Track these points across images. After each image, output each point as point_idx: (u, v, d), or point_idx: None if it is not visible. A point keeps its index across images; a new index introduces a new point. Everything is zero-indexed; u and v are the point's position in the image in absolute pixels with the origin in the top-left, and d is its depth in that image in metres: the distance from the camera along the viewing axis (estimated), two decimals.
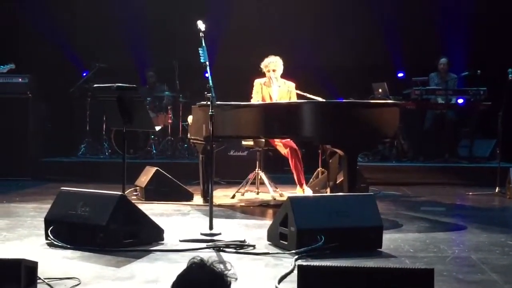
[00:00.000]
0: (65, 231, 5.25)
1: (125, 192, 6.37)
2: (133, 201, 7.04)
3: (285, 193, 8.33)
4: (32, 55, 11.68)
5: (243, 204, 7.82)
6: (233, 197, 8.19)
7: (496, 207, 8.11)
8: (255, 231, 5.99)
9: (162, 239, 5.43)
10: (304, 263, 4.37)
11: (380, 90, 10.82)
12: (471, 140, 10.76)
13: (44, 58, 11.83)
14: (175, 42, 11.66)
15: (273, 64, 8.04)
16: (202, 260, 2.50)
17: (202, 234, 5.61)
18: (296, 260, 4.73)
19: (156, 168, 8.03)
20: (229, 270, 2.51)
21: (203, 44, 5.85)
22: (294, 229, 5.03)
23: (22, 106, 10.30)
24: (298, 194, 7.80)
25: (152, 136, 10.71)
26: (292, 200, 5.19)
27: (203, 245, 5.30)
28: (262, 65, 8.11)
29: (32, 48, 11.93)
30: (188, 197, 7.93)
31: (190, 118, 8.15)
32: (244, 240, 5.36)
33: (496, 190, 8.68)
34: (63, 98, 11.49)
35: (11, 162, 10.08)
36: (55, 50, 11.93)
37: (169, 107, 11.08)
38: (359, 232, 5.16)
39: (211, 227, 5.67)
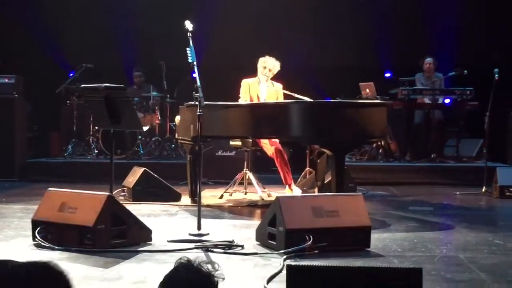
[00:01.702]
0: (52, 232, 5.23)
1: (113, 193, 6.35)
2: (120, 202, 7.05)
3: (273, 193, 8.33)
4: (19, 55, 11.63)
5: (231, 204, 7.81)
6: (221, 197, 8.18)
7: (483, 207, 8.15)
8: (244, 231, 5.99)
9: (150, 240, 5.42)
10: (293, 263, 4.39)
11: (367, 90, 10.84)
12: (458, 140, 10.80)
13: (31, 58, 11.80)
14: (162, 43, 11.63)
15: (271, 63, 8.06)
16: (189, 260, 2.49)
17: (190, 234, 5.60)
18: (284, 260, 4.74)
19: (143, 168, 8.01)
20: (217, 270, 2.50)
21: (191, 44, 5.85)
22: (282, 229, 5.04)
23: (9, 107, 10.23)
24: (286, 194, 7.82)
25: (140, 137, 10.68)
26: (280, 200, 5.20)
27: (192, 245, 5.29)
28: (260, 60, 8.12)
29: (19, 48, 11.88)
30: (176, 197, 7.92)
31: (177, 118, 8.13)
32: (233, 240, 5.35)
33: (483, 190, 8.72)
34: (49, 99, 11.42)
35: None
36: (42, 50, 11.89)
37: (156, 108, 11.04)
38: (348, 232, 5.17)
39: (199, 228, 5.66)
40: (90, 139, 10.95)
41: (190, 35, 5.90)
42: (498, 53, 11.42)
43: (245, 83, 8.15)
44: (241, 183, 8.41)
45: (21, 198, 8.08)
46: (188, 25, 5.93)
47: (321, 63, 11.97)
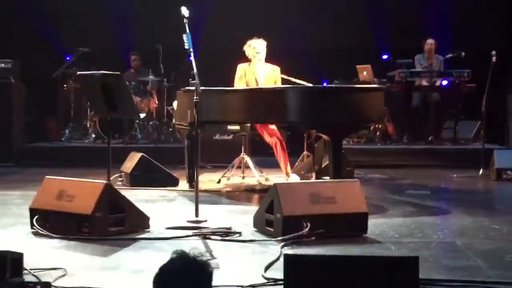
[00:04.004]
0: (50, 220, 5.24)
1: (111, 178, 6.37)
2: (118, 187, 7.08)
3: (271, 177, 8.35)
4: (15, 39, 11.58)
5: (228, 189, 7.82)
6: (219, 181, 8.18)
7: (480, 190, 8.17)
8: (241, 217, 6.00)
9: (148, 227, 5.43)
10: (290, 252, 4.42)
11: (364, 73, 10.83)
12: (456, 122, 10.81)
13: (27, 42, 11.74)
14: (159, 26, 11.57)
15: (258, 46, 7.97)
16: (183, 251, 2.53)
17: (188, 221, 5.61)
18: (282, 247, 4.76)
19: (141, 153, 8.02)
20: (212, 259, 2.60)
21: (187, 31, 5.81)
22: (280, 215, 5.05)
23: (5, 92, 10.23)
24: (284, 179, 7.83)
25: (137, 121, 10.67)
26: (278, 187, 5.20)
27: (189, 232, 5.30)
28: (245, 47, 8.03)
29: (15, 32, 11.82)
30: (174, 182, 7.92)
31: (175, 104, 8.12)
32: (230, 227, 5.37)
33: (481, 172, 8.74)
34: (46, 83, 11.39)
35: None
36: (38, 34, 11.82)
37: (153, 91, 11.03)
38: (345, 218, 5.19)
39: (197, 214, 5.67)
40: (88, 123, 10.94)
41: (187, 21, 5.86)
42: (497, 35, 11.40)
43: (241, 68, 8.06)
44: (238, 167, 8.41)
45: (19, 184, 8.07)
46: (185, 11, 5.89)
47: (318, 45, 11.95)
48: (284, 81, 8.00)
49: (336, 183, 5.67)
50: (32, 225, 5.28)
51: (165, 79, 11.05)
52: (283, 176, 7.90)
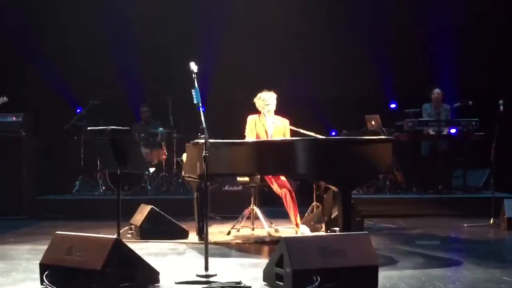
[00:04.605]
0: (60, 276, 5.24)
1: (120, 231, 6.38)
2: (128, 240, 7.11)
3: (281, 228, 8.36)
4: (26, 93, 11.73)
5: (238, 241, 7.82)
6: (229, 233, 8.19)
7: (491, 240, 8.12)
8: (251, 270, 5.99)
9: (158, 282, 5.42)
10: None
11: (373, 123, 10.87)
12: (465, 170, 10.81)
13: (38, 95, 11.90)
14: (168, 78, 11.71)
15: (267, 98, 8.09)
16: None
17: (197, 275, 5.60)
18: None
19: (151, 206, 8.03)
20: None
21: (196, 86, 5.88)
22: (289, 270, 5.04)
23: (16, 145, 10.33)
24: (294, 230, 7.83)
25: (147, 172, 10.71)
26: (287, 240, 5.20)
27: (199, 287, 5.29)
28: (256, 99, 8.16)
29: (26, 85, 11.98)
30: (184, 235, 7.93)
31: (184, 156, 8.17)
32: (240, 281, 5.35)
33: (491, 221, 8.72)
34: (57, 135, 11.49)
35: (6, 201, 10.07)
36: (49, 87, 11.98)
37: (163, 143, 11.11)
38: (355, 272, 5.17)
39: (206, 268, 5.66)
40: (98, 175, 11.00)
41: (195, 76, 5.94)
42: (505, 83, 11.47)
43: (251, 120, 8.17)
44: (248, 218, 8.41)
45: (29, 237, 8.09)
46: (193, 66, 5.98)
47: (326, 95, 12.04)
48: (293, 132, 8.06)
49: (346, 236, 5.66)
50: (42, 281, 5.28)
51: (174, 130, 11.13)
52: (293, 227, 7.91)
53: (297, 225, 7.80)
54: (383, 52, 11.95)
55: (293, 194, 7.80)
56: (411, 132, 10.64)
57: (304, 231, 7.78)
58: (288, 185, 7.87)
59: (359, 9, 12.15)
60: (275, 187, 7.94)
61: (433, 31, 12.16)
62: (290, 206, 7.77)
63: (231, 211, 9.24)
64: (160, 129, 11.04)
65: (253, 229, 8.39)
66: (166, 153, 11.16)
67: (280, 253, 5.22)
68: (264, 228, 8.17)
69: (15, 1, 11.98)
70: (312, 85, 12.07)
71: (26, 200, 10.32)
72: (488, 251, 7.22)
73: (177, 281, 5.47)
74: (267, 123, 8.13)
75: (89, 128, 7.17)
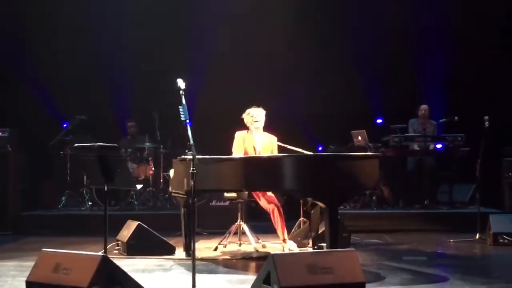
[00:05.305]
0: None
1: (107, 247, 6.34)
2: (114, 256, 7.09)
3: (268, 243, 8.36)
4: (12, 108, 11.70)
5: (225, 257, 7.80)
6: (216, 249, 8.17)
7: (477, 255, 8.15)
8: (238, 287, 5.99)
9: None
10: None
11: (359, 138, 10.91)
12: (451, 185, 10.86)
13: (25, 110, 11.87)
14: (155, 93, 11.73)
15: (256, 115, 8.08)
16: None
17: None
18: None
19: (138, 222, 8.01)
20: None
21: (183, 102, 5.88)
22: (277, 287, 5.03)
23: (2, 160, 10.30)
24: (281, 246, 7.84)
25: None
26: (274, 257, 5.19)
27: None
28: (244, 115, 8.15)
29: (13, 100, 11.95)
30: (170, 250, 7.92)
31: (171, 172, 8.16)
32: None
33: (477, 237, 8.76)
34: (43, 150, 11.44)
35: None
36: (36, 102, 11.96)
37: (150, 158, 11.10)
38: None
39: (194, 286, 5.64)
40: (84, 190, 10.96)
41: (183, 93, 5.94)
42: (490, 98, 11.56)
43: (239, 136, 8.17)
44: (235, 234, 8.41)
45: (15, 253, 8.04)
46: (181, 83, 5.97)
47: (313, 110, 12.10)
48: (280, 148, 8.07)
49: (333, 253, 5.66)
50: None
51: (161, 146, 11.13)
52: (280, 242, 7.90)
53: (284, 240, 7.80)
54: (369, 67, 12.02)
55: (281, 210, 7.80)
56: (397, 148, 10.70)
57: (292, 246, 7.77)
58: (276, 201, 7.88)
59: (346, 24, 12.23)
60: (262, 202, 7.94)
61: (421, 48, 12.24)
62: (277, 221, 7.76)
63: (218, 226, 9.22)
64: (147, 144, 11.02)
65: (240, 244, 8.38)
66: (153, 168, 11.15)
67: (268, 270, 5.22)
68: (251, 244, 8.16)
69: (1, 17, 11.94)
70: (299, 101, 12.12)
71: (11, 216, 10.27)
72: (474, 267, 7.25)
73: None
74: (255, 139, 8.14)
75: (76, 144, 7.13)
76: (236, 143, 8.17)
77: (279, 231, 7.78)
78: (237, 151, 8.09)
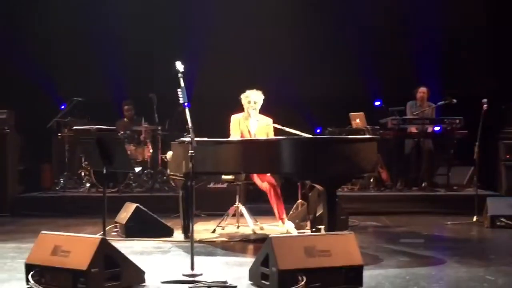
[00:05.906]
0: (46, 276, 5.23)
1: (106, 229, 6.37)
2: (113, 239, 7.11)
3: (266, 225, 8.38)
4: (10, 89, 11.67)
5: (223, 239, 7.82)
6: (214, 231, 8.19)
7: (474, 238, 8.18)
8: (236, 269, 6.00)
9: (144, 281, 5.41)
10: None
11: (357, 120, 10.91)
12: (449, 168, 10.88)
13: (22, 92, 11.84)
14: (153, 75, 11.70)
15: (254, 96, 8.08)
16: None
17: (183, 275, 5.60)
18: None
19: (136, 204, 8.02)
20: None
21: (182, 85, 5.87)
22: (275, 269, 5.05)
23: (0, 141, 10.27)
24: (279, 228, 7.86)
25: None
26: (273, 240, 5.21)
27: (185, 286, 5.30)
28: (243, 96, 8.14)
29: (10, 82, 11.91)
30: (169, 233, 7.94)
31: (169, 154, 8.15)
32: (226, 281, 5.36)
33: (474, 219, 8.79)
34: (41, 132, 11.43)
35: None
36: (33, 84, 11.92)
37: (147, 140, 11.08)
38: (340, 271, 5.19)
39: (192, 268, 5.66)
40: (82, 172, 10.96)
41: (181, 76, 5.92)
42: (488, 82, 11.55)
43: (235, 119, 8.18)
44: (233, 216, 8.43)
45: (14, 235, 8.06)
46: (179, 66, 5.95)
47: (311, 93, 12.05)
48: (277, 130, 8.06)
49: (331, 236, 5.68)
50: (27, 280, 5.27)
51: (159, 127, 11.11)
52: (278, 223, 7.93)
53: (282, 220, 7.83)
54: (368, 50, 12.00)
55: (278, 189, 7.82)
56: (396, 130, 10.69)
57: (289, 227, 7.81)
58: (273, 180, 7.90)
59: (345, 8, 12.18)
60: (258, 182, 7.97)
61: (419, 30, 12.21)
62: (274, 201, 7.80)
63: (216, 208, 9.25)
64: (145, 125, 10.98)
65: (238, 227, 8.40)
66: (151, 150, 11.14)
67: (266, 252, 5.24)
68: (249, 226, 8.18)
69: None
70: (297, 83, 12.09)
71: (10, 197, 10.27)
72: (472, 250, 7.28)
73: (163, 280, 5.48)
74: (250, 122, 8.14)
75: (74, 127, 7.14)
76: (232, 126, 8.18)
77: (276, 211, 7.81)
78: (234, 135, 8.09)
